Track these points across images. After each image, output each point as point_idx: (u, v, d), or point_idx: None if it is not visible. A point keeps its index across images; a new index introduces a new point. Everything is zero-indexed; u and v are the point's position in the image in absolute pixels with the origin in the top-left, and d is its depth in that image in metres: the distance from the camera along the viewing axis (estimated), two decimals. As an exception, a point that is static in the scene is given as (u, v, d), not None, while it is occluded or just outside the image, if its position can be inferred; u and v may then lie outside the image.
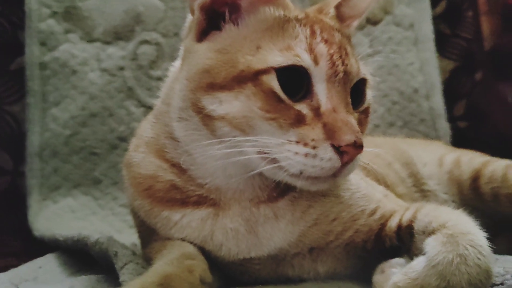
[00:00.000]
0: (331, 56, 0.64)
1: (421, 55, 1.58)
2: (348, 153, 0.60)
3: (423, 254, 0.61)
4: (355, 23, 0.79)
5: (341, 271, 0.75)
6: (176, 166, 0.72)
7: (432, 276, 0.56)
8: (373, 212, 0.73)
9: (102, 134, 1.36)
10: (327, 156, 0.60)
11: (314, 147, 0.61)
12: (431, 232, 0.62)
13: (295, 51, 0.63)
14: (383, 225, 0.73)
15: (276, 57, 0.62)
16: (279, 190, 0.71)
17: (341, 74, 0.65)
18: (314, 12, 0.73)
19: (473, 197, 0.96)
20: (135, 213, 0.77)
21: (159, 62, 1.45)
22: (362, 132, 0.69)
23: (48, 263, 0.83)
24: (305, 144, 0.61)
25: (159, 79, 1.43)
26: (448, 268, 0.55)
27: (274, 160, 0.62)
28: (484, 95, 1.58)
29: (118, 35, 1.43)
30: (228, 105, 0.63)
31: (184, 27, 0.79)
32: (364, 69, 0.72)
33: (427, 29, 1.59)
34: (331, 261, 0.74)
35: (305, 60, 0.63)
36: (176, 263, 0.60)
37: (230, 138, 0.64)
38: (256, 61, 0.63)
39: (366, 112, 0.73)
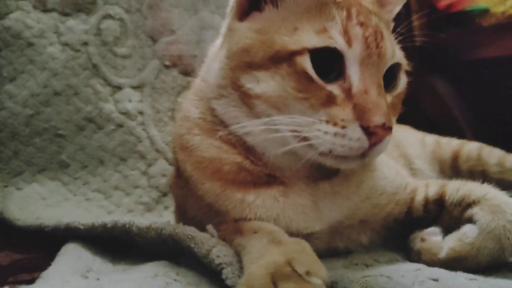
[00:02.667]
0: (366, 38, 0.66)
1: (366, 46, 1.74)
2: (377, 134, 0.62)
3: (471, 223, 0.72)
4: (396, 9, 0.83)
5: (376, 241, 0.84)
6: (236, 146, 0.74)
7: (489, 240, 0.67)
8: (406, 187, 0.83)
9: (67, 114, 1.25)
10: (355, 136, 0.63)
11: (343, 127, 0.63)
12: (472, 204, 0.73)
13: (330, 33, 0.65)
14: (412, 199, 0.84)
15: (311, 39, 0.65)
16: (332, 169, 0.75)
17: (374, 57, 0.66)
18: None
19: (452, 174, 1.13)
20: (196, 196, 0.76)
21: (123, 39, 1.37)
22: (394, 115, 0.74)
23: (82, 253, 0.77)
24: (335, 124, 0.63)
25: (125, 57, 1.37)
26: (503, 232, 0.66)
27: (305, 139, 0.65)
28: (417, 85, 1.80)
29: (78, 7, 1.31)
30: (264, 84, 0.66)
31: (228, 5, 0.80)
32: (399, 54, 0.74)
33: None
34: (370, 232, 0.83)
35: (339, 42, 0.65)
36: (285, 241, 0.63)
37: (266, 116, 0.67)
38: (291, 42, 0.65)
39: (399, 96, 0.75)
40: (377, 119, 0.62)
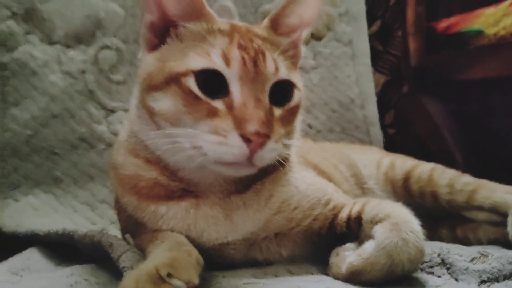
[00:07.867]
0: (243, 59, 0.76)
1: (357, 69, 1.78)
2: (252, 141, 0.70)
3: (373, 239, 0.76)
4: (303, 33, 0.90)
5: (299, 255, 0.89)
6: (153, 163, 0.83)
7: (381, 256, 0.71)
8: (327, 203, 0.88)
9: (63, 135, 1.40)
10: (235, 143, 0.71)
11: (225, 136, 0.71)
12: (379, 221, 0.77)
13: (211, 57, 0.76)
14: (335, 215, 0.88)
15: (194, 62, 0.76)
16: (244, 184, 0.84)
17: (251, 74, 0.76)
18: (245, 25, 0.87)
19: (404, 194, 1.15)
20: (123, 209, 0.86)
21: (119, 67, 1.51)
22: (285, 126, 0.80)
23: (33, 255, 0.89)
24: (218, 134, 0.72)
25: (119, 83, 1.51)
26: (394, 249, 0.71)
27: (199, 148, 0.73)
28: (409, 106, 1.81)
29: (79, 39, 1.48)
30: (160, 102, 0.77)
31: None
32: (290, 74, 0.83)
33: (363, 46, 1.79)
34: (292, 245, 0.88)
35: (218, 63, 0.75)
36: (175, 249, 0.71)
37: (166, 130, 0.76)
38: (178, 66, 0.76)
39: (292, 110, 0.83)
40: (250, 127, 0.70)
